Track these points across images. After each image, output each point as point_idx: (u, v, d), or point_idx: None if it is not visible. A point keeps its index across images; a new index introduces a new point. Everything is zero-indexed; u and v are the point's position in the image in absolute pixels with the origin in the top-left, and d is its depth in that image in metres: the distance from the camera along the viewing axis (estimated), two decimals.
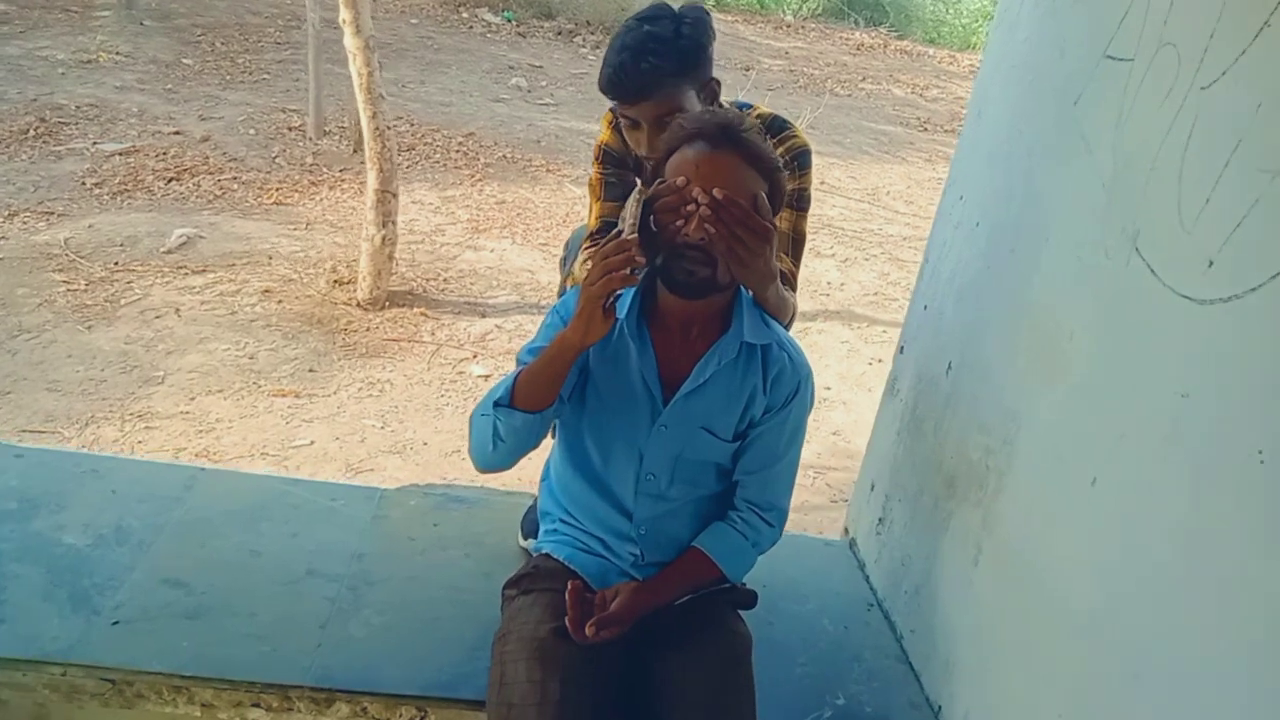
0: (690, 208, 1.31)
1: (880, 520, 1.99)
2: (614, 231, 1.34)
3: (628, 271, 1.28)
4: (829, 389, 4.13)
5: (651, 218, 1.32)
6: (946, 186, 1.90)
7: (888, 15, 11.99)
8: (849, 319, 4.87)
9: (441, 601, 1.74)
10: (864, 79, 9.82)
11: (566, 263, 1.93)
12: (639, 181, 1.93)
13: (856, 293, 5.20)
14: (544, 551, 1.59)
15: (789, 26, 11.56)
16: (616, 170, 1.85)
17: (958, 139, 1.87)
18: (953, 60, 11.36)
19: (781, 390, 1.46)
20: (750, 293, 1.46)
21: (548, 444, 1.57)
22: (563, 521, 1.62)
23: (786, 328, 1.56)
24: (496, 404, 1.39)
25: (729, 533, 1.51)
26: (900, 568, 1.86)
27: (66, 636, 1.55)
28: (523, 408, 1.38)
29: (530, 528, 1.86)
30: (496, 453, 1.42)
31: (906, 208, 6.63)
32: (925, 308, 1.92)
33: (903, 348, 2.03)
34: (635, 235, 1.29)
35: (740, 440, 1.49)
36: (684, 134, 1.36)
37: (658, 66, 1.58)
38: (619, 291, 1.32)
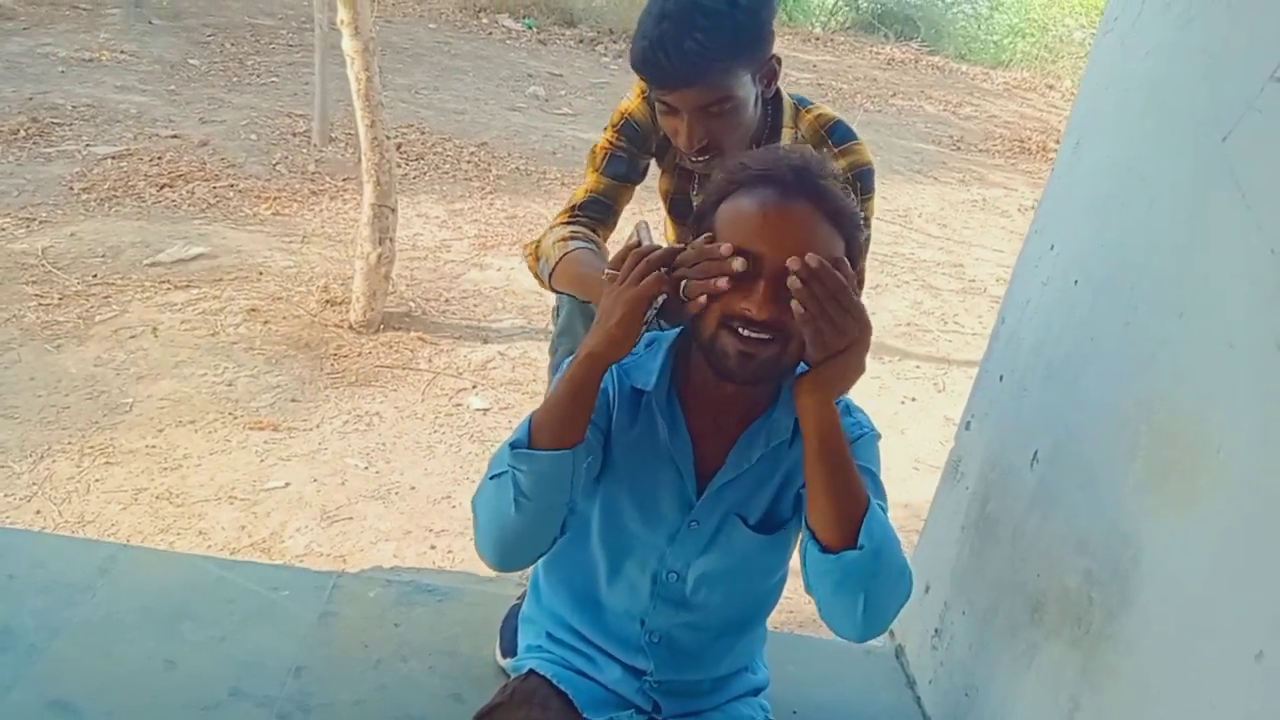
0: (730, 269, 1.01)
1: (937, 632, 1.64)
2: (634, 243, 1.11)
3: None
4: None
5: (685, 283, 1.04)
6: (1031, 231, 1.55)
7: (919, 30, 11.60)
8: (880, 352, 4.50)
9: None
10: (894, 94, 9.46)
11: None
12: (656, 162, 1.60)
13: (888, 323, 4.84)
14: (525, 670, 1.28)
15: (817, 39, 11.20)
16: (632, 148, 1.51)
17: (1050, 175, 1.51)
18: (986, 77, 10.99)
19: None
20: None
21: None
22: (550, 636, 1.32)
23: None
24: (514, 447, 1.09)
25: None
26: (964, 699, 1.51)
27: None
28: (547, 445, 1.08)
29: (511, 641, 1.52)
30: (520, 517, 1.08)
31: (940, 231, 6.27)
32: (1001, 378, 1.57)
33: (969, 423, 1.68)
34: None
35: (784, 528, 1.21)
36: (745, 176, 1.06)
37: (706, 47, 1.25)
38: (663, 297, 1.06)
